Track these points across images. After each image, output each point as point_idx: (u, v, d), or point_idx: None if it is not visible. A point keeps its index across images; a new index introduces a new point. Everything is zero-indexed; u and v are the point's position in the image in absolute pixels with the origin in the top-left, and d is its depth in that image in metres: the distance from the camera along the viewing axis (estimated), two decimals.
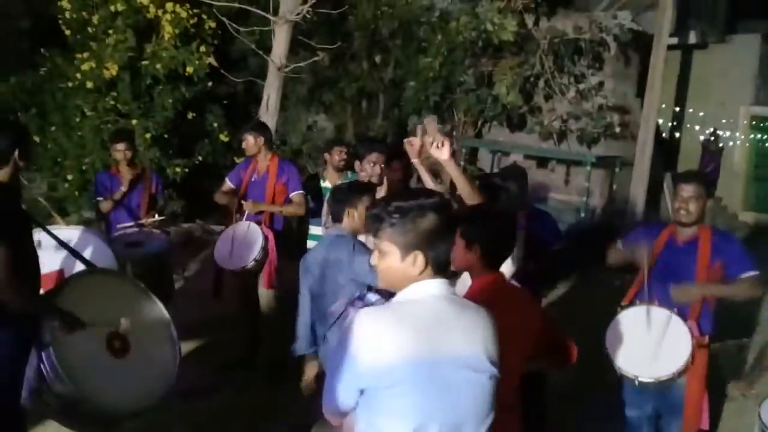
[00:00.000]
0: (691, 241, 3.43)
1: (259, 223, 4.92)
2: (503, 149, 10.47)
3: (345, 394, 1.78)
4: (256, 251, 4.77)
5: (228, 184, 5.23)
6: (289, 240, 5.36)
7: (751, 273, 3.33)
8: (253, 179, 5.06)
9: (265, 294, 4.97)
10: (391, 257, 1.83)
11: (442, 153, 2.89)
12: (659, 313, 3.32)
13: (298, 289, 3.34)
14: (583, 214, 9.56)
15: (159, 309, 3.40)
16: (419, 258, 1.80)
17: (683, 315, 3.30)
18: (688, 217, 3.40)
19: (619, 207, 9.86)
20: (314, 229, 5.05)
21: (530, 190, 4.75)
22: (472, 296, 2.31)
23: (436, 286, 1.82)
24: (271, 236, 4.90)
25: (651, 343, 3.27)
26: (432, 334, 1.75)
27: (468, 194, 2.93)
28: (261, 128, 5.20)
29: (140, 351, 3.17)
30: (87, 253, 3.82)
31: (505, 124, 10.61)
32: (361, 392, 1.77)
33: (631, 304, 3.47)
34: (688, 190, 3.41)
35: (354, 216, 3.23)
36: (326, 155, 5.48)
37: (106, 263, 3.98)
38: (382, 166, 4.06)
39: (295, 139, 10.16)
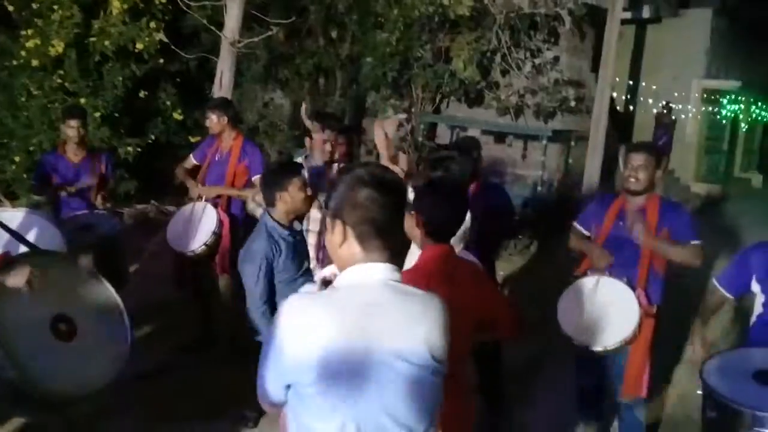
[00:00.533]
0: (639, 210, 3.47)
1: (216, 205, 4.81)
2: (461, 125, 10.48)
3: (273, 387, 1.66)
4: (207, 236, 4.65)
5: (192, 161, 5.09)
6: (251, 224, 5.26)
7: (695, 242, 3.40)
8: (216, 158, 4.94)
9: (221, 279, 4.88)
10: (327, 232, 1.72)
11: None
12: (609, 283, 3.37)
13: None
14: (539, 188, 9.65)
15: (107, 290, 3.32)
16: (338, 227, 1.66)
17: (632, 284, 3.35)
18: (637, 185, 3.44)
19: (575, 180, 9.98)
20: None
21: (488, 165, 4.75)
22: (418, 268, 2.30)
23: (375, 270, 1.65)
24: (226, 221, 4.78)
25: (600, 312, 3.32)
26: (366, 324, 1.58)
27: None
28: (224, 106, 5.02)
29: (89, 334, 3.10)
30: (32, 236, 3.70)
31: (463, 100, 10.61)
32: (288, 387, 1.64)
33: (584, 274, 3.52)
34: (637, 159, 3.46)
35: (286, 199, 3.23)
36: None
37: (54, 246, 3.86)
38: (333, 143, 4.00)
39: (251, 116, 10.01)
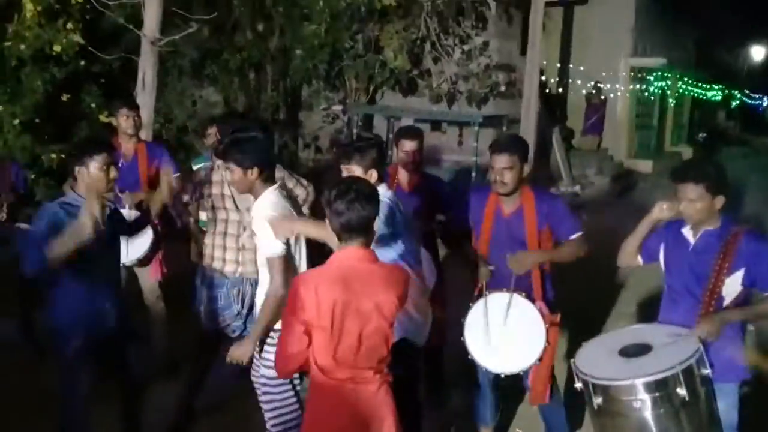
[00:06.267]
0: (516, 212, 3.34)
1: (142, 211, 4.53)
2: (396, 114, 10.48)
3: None
4: (146, 246, 4.34)
5: None
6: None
7: (577, 234, 3.33)
8: (120, 166, 4.69)
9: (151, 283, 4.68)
10: None
11: None
12: (504, 299, 3.26)
13: None
14: (474, 175, 9.72)
15: None
16: None
17: (531, 298, 3.26)
18: (504, 188, 3.26)
19: None
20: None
21: (426, 153, 4.49)
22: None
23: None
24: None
25: (504, 333, 3.23)
26: None
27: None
28: (137, 106, 4.81)
29: None
30: None
31: (397, 89, 10.62)
32: None
33: (483, 293, 3.33)
34: (500, 161, 3.22)
35: (85, 174, 3.07)
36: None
37: None
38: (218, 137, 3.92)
39: (180, 115, 9.77)
